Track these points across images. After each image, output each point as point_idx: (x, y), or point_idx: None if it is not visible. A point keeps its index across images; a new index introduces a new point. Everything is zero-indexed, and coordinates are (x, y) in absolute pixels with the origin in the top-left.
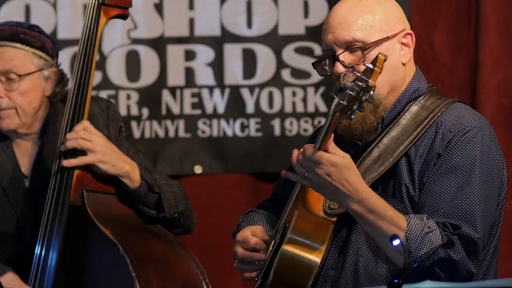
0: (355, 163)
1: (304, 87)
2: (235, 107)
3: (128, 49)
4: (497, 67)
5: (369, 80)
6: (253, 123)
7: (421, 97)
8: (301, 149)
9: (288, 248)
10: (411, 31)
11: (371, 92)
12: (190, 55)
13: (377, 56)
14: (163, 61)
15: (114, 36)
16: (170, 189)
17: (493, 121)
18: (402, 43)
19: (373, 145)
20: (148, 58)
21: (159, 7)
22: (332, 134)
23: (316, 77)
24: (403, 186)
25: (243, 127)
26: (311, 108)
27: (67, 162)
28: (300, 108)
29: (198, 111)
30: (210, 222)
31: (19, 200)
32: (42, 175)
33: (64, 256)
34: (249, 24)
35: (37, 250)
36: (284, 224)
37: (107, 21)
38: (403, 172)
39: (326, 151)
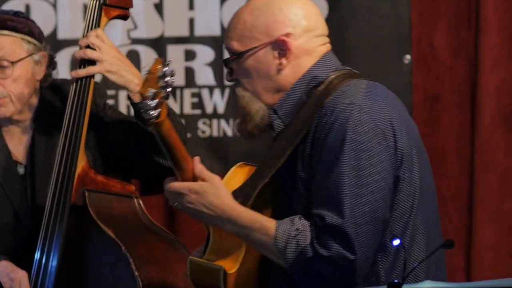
0: (268, 156)
1: None
2: (235, 107)
3: (128, 49)
4: (497, 67)
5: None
6: None
7: (321, 85)
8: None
9: (206, 256)
10: (283, 38)
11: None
12: (190, 55)
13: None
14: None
15: (114, 36)
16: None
17: (493, 121)
18: (281, 49)
19: (276, 139)
20: (148, 58)
21: (159, 7)
22: (198, 158)
23: None
24: (298, 178)
25: None
26: None
27: (74, 73)
28: None
29: (198, 111)
30: None
31: (14, 188)
32: (36, 161)
33: (65, 256)
34: None
35: (38, 251)
36: (208, 232)
37: (108, 21)
38: (298, 162)
39: (194, 175)
